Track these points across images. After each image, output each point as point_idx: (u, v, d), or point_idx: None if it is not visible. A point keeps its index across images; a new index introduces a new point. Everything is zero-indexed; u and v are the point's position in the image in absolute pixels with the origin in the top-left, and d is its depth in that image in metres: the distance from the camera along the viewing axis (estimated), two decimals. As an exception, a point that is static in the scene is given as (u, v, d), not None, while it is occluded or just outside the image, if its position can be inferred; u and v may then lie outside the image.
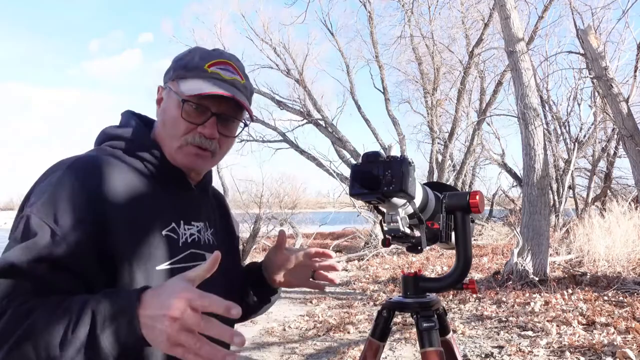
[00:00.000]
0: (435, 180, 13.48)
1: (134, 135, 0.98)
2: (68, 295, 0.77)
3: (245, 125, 1.05)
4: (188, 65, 0.98)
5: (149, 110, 1.08)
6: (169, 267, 0.93)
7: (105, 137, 1.00)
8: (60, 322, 0.72)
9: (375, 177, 1.01)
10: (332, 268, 1.17)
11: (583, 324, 4.38)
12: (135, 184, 0.93)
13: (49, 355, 0.71)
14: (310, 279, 1.18)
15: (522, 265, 6.15)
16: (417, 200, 1.10)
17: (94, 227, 0.84)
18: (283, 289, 1.24)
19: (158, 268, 0.91)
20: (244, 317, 1.16)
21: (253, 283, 1.19)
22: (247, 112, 1.02)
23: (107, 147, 0.98)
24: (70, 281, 0.81)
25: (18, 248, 0.79)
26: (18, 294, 0.76)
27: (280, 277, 1.16)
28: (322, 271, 1.17)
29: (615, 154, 13.27)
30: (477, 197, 1.17)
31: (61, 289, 0.79)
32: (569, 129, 13.87)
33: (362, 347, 1.96)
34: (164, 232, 0.94)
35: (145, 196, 0.94)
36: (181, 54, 1.03)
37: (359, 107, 15.97)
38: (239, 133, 1.05)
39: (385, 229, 1.10)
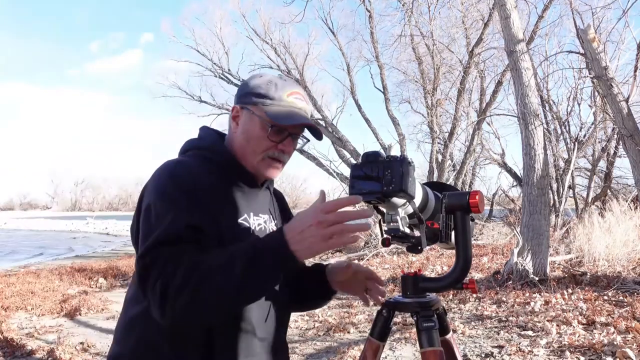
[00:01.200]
0: (435, 180, 13.48)
1: (214, 146, 1.25)
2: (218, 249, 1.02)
3: (307, 140, 1.30)
4: (269, 94, 1.21)
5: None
6: None
7: (190, 147, 1.26)
8: (226, 261, 0.97)
9: (375, 177, 1.01)
10: (382, 294, 1.35)
11: (583, 324, 4.38)
12: (218, 183, 1.17)
13: (221, 288, 0.95)
14: (364, 293, 1.36)
15: (522, 265, 6.15)
16: (417, 200, 1.10)
17: (198, 208, 1.07)
18: None
19: None
20: (301, 308, 1.44)
21: (316, 280, 1.37)
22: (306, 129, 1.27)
23: (194, 155, 1.23)
24: (207, 240, 1.05)
25: (166, 223, 1.02)
26: (182, 253, 0.99)
27: (340, 284, 1.36)
28: (374, 292, 1.36)
29: (615, 153, 13.26)
30: (477, 197, 1.17)
31: (207, 246, 1.03)
32: (569, 128, 13.88)
33: (362, 346, 1.96)
34: (239, 220, 1.18)
35: (226, 192, 1.19)
36: (256, 81, 1.24)
37: (359, 107, 15.97)
38: (302, 146, 1.35)
39: (385, 228, 1.10)
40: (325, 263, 1.43)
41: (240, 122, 1.23)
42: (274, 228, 1.27)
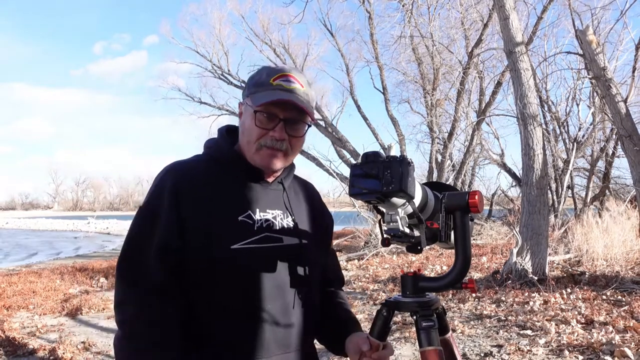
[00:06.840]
0: (434, 180, 13.49)
1: (219, 144, 1.25)
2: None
3: (309, 126, 1.23)
4: (257, 82, 1.20)
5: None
6: (244, 246, 1.14)
7: (204, 146, 1.28)
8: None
9: (375, 177, 1.02)
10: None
11: (582, 323, 4.40)
12: (217, 181, 1.18)
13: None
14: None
15: (521, 265, 6.17)
16: (417, 200, 1.10)
17: (178, 217, 1.11)
18: None
19: (233, 247, 1.13)
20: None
21: (335, 329, 1.31)
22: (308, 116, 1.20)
23: (201, 154, 1.26)
24: (170, 258, 1.10)
25: (127, 239, 1.13)
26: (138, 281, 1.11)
27: (348, 352, 1.26)
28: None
29: (613, 153, 13.29)
30: (476, 197, 1.17)
31: (165, 268, 1.09)
32: (568, 129, 13.91)
33: (362, 345, 1.96)
34: (239, 218, 1.16)
35: (224, 190, 1.18)
36: (253, 74, 1.24)
37: (358, 107, 15.98)
38: (305, 132, 1.23)
39: (385, 228, 1.11)
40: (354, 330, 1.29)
41: (242, 117, 1.23)
42: (290, 224, 1.24)
